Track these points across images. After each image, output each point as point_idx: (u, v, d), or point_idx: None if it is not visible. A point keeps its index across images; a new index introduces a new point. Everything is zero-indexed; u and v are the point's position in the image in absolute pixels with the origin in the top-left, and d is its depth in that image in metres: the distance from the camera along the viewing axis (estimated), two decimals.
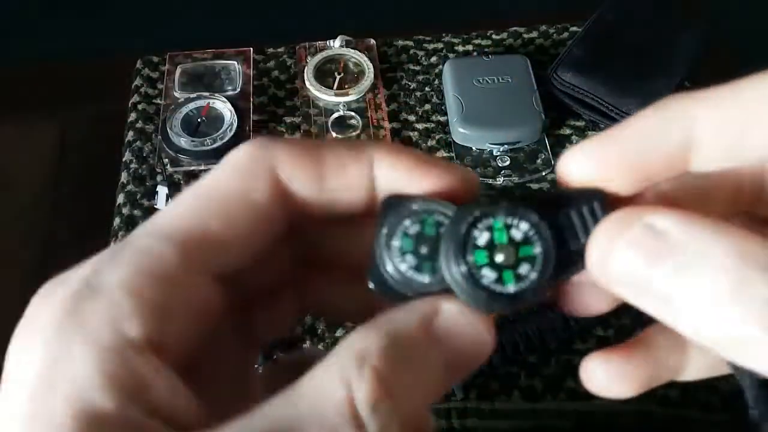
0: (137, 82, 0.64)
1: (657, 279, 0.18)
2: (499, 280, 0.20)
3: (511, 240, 0.20)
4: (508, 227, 0.20)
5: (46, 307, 0.19)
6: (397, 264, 0.20)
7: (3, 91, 0.66)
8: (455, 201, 0.21)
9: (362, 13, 0.73)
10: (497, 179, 0.57)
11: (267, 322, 0.24)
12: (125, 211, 0.55)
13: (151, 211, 0.55)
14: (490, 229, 0.20)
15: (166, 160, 0.57)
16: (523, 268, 0.20)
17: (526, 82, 0.60)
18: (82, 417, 0.17)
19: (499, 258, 0.20)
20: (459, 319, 0.20)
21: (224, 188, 0.20)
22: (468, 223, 0.20)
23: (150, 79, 0.64)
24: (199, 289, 0.20)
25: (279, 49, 0.66)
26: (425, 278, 0.20)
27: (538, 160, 0.58)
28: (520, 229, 0.20)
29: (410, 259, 0.21)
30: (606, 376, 0.22)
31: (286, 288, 0.24)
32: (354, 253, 0.23)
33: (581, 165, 0.21)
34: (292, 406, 0.18)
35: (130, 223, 0.55)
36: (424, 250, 0.21)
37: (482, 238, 0.20)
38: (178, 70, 0.63)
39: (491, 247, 0.20)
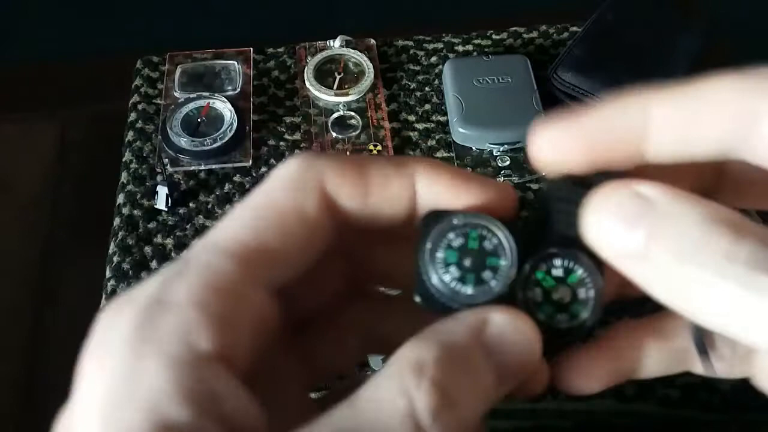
0: (137, 82, 0.64)
1: (636, 239, 0.20)
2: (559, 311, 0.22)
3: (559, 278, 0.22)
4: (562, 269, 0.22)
5: (117, 324, 0.19)
6: (441, 276, 0.21)
7: (3, 91, 0.66)
8: (494, 215, 0.22)
9: (362, 13, 0.73)
10: (497, 179, 0.57)
11: (329, 353, 0.25)
12: (125, 211, 0.55)
13: (151, 211, 0.55)
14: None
15: (166, 160, 0.57)
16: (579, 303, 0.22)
17: (526, 82, 0.60)
18: (158, 429, 0.17)
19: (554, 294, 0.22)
20: (508, 328, 0.21)
21: (277, 202, 0.21)
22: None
23: (150, 79, 0.64)
24: (260, 302, 0.20)
25: (279, 49, 0.66)
26: (469, 290, 0.21)
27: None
28: (574, 270, 0.22)
29: (454, 270, 0.21)
30: (573, 374, 0.24)
31: (347, 322, 0.25)
32: (405, 278, 0.23)
33: (547, 145, 0.22)
34: (353, 416, 0.18)
35: (130, 223, 0.55)
36: (467, 262, 0.22)
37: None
38: (178, 70, 0.63)
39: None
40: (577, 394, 0.24)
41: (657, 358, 0.25)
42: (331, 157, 0.22)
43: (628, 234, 0.20)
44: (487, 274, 0.22)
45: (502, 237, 0.22)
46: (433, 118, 0.61)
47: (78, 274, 0.54)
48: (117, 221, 0.55)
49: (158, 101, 0.62)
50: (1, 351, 0.51)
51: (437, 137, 0.60)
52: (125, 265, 0.52)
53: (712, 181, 0.24)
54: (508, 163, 0.57)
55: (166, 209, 0.55)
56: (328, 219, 0.22)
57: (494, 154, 0.57)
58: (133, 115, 0.61)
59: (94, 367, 0.19)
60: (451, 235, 0.22)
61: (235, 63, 0.63)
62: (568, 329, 0.22)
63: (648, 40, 0.62)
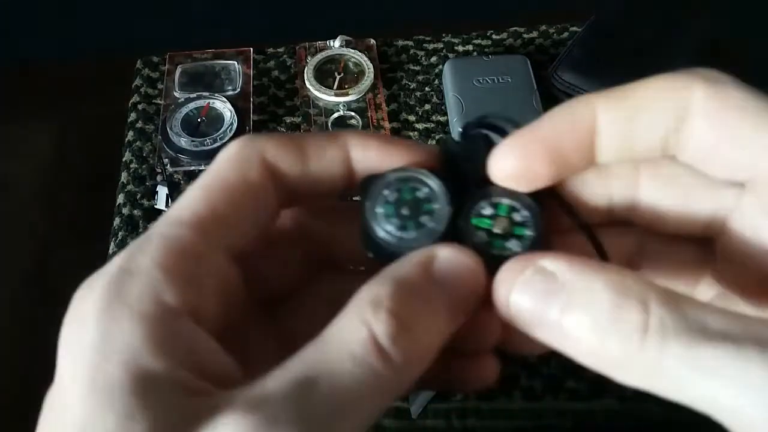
0: (137, 82, 0.64)
1: (551, 314, 0.21)
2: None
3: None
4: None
5: (90, 295, 0.21)
6: (385, 227, 0.24)
7: (3, 91, 0.66)
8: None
9: (362, 13, 0.73)
10: None
11: (300, 327, 0.26)
12: (125, 211, 0.55)
13: (151, 211, 0.55)
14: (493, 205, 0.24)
15: (166, 160, 0.57)
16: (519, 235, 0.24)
17: (526, 82, 0.60)
18: (137, 379, 0.19)
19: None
20: (453, 260, 0.22)
21: (223, 175, 0.24)
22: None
23: (150, 79, 0.64)
24: (219, 263, 0.22)
25: (279, 49, 0.66)
26: (413, 233, 0.24)
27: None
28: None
29: (395, 221, 0.24)
30: (519, 338, 0.24)
31: (309, 291, 0.27)
32: (354, 247, 0.25)
33: (508, 161, 0.23)
34: (321, 351, 0.20)
35: (130, 223, 0.55)
36: (405, 211, 0.24)
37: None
38: (178, 70, 0.63)
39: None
40: (522, 354, 0.25)
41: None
42: (269, 134, 0.25)
43: (542, 310, 0.21)
44: (424, 218, 0.24)
45: (432, 184, 0.24)
46: (433, 118, 0.61)
47: (78, 274, 0.54)
48: (117, 221, 0.55)
49: (158, 101, 0.62)
50: (1, 351, 0.51)
51: (437, 137, 0.60)
52: None
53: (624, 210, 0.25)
54: None
55: (166, 209, 0.55)
56: (271, 185, 0.24)
57: None
58: (133, 115, 0.61)
59: (73, 338, 0.20)
60: (386, 192, 0.24)
61: (235, 63, 0.63)
62: (525, 248, 0.24)
63: (648, 40, 0.62)
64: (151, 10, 0.72)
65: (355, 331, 0.20)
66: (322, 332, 0.20)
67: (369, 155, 0.25)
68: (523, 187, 0.24)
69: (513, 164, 0.23)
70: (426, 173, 0.24)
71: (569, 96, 0.59)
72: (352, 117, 0.60)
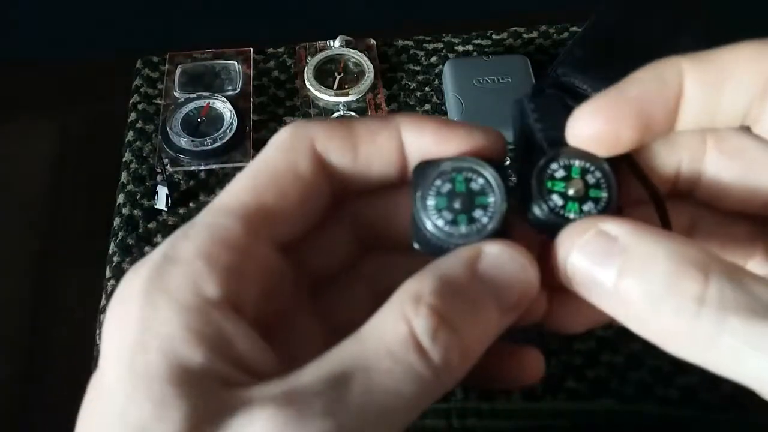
0: (137, 82, 0.64)
1: (607, 277, 0.20)
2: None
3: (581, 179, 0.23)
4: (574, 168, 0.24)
5: (133, 281, 0.21)
6: (435, 221, 0.22)
7: (3, 91, 0.66)
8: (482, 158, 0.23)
9: (362, 13, 0.73)
10: None
11: (344, 310, 0.26)
12: (125, 211, 0.55)
13: (151, 211, 0.55)
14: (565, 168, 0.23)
15: (166, 160, 0.57)
16: (588, 206, 0.23)
17: (526, 82, 0.60)
18: (175, 369, 0.19)
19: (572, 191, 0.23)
20: (502, 257, 0.21)
21: (272, 165, 0.23)
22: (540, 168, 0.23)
23: (150, 79, 0.64)
24: (264, 254, 0.22)
25: (279, 49, 0.66)
26: (462, 229, 0.22)
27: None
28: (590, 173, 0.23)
29: (446, 214, 0.22)
30: (560, 312, 0.24)
31: (355, 277, 0.26)
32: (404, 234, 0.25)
33: (593, 123, 0.22)
34: (359, 346, 0.19)
35: (130, 223, 0.55)
36: (457, 204, 0.23)
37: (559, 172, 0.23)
38: (178, 70, 0.63)
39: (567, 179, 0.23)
40: (566, 333, 0.25)
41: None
42: (319, 121, 0.24)
43: (599, 273, 0.21)
44: (478, 213, 0.23)
45: (488, 176, 0.23)
46: None
47: (78, 274, 0.54)
48: (117, 221, 0.55)
49: (158, 101, 0.62)
50: (1, 351, 0.51)
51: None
52: (125, 265, 0.52)
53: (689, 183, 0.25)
54: (507, 163, 0.57)
55: (166, 209, 0.55)
56: (321, 176, 0.23)
57: None
58: (133, 115, 0.61)
59: (114, 324, 0.21)
60: (438, 182, 0.23)
61: (235, 63, 0.63)
62: (600, 211, 0.23)
63: (648, 40, 0.61)
64: (151, 10, 0.72)
65: (394, 326, 0.19)
66: (361, 326, 0.20)
67: (423, 140, 0.24)
68: (603, 151, 0.23)
69: (597, 126, 0.23)
70: (482, 163, 0.23)
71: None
72: (352, 117, 0.60)
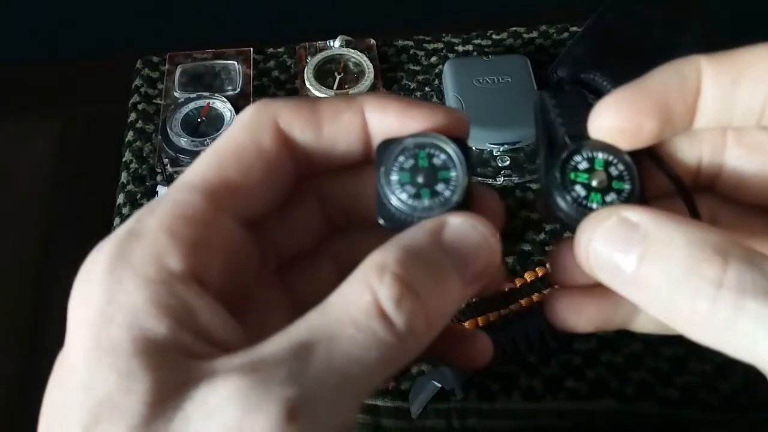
0: (137, 82, 0.64)
1: (628, 263, 0.21)
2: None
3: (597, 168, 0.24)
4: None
5: (97, 257, 0.21)
6: (399, 195, 0.23)
7: (3, 91, 0.66)
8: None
9: (362, 13, 0.73)
10: (497, 179, 0.57)
11: (309, 286, 0.26)
12: (125, 211, 0.55)
13: None
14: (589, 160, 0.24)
15: (166, 160, 0.57)
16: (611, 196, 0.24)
17: (526, 82, 0.60)
18: (139, 341, 0.19)
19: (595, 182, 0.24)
20: (464, 227, 0.22)
21: (236, 141, 0.23)
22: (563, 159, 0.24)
23: (150, 79, 0.64)
24: (228, 229, 0.22)
25: (279, 49, 0.66)
26: (426, 202, 0.23)
27: (538, 160, 0.58)
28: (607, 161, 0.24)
29: (409, 188, 0.23)
30: (565, 308, 0.25)
31: (322, 256, 0.27)
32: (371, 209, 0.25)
33: (615, 113, 0.23)
34: (323, 316, 0.20)
35: None
36: (420, 179, 0.23)
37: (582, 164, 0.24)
38: (178, 70, 0.63)
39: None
40: (569, 330, 0.25)
41: (649, 316, 0.26)
42: (284, 99, 0.24)
43: (621, 259, 0.21)
44: (440, 186, 0.23)
45: (450, 151, 0.23)
46: None
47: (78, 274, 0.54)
48: (117, 221, 0.55)
49: (158, 101, 0.62)
50: (1, 350, 0.51)
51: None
52: None
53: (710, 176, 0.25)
54: (508, 163, 0.57)
55: None
56: (285, 152, 0.24)
57: (494, 154, 0.57)
58: (133, 115, 0.61)
59: (79, 299, 0.21)
60: (401, 158, 0.23)
61: (235, 63, 0.63)
62: (623, 202, 0.23)
63: (648, 40, 0.61)
64: (151, 10, 0.72)
65: (359, 295, 0.20)
66: (327, 298, 0.20)
67: (387, 120, 0.24)
68: (625, 143, 0.24)
69: (620, 118, 0.23)
70: (444, 139, 0.23)
71: None
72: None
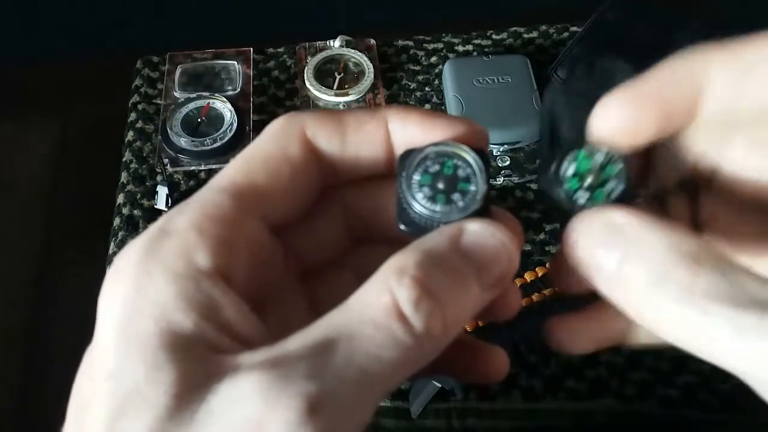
0: (137, 82, 0.64)
1: (609, 263, 0.22)
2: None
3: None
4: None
5: (128, 253, 0.22)
6: (420, 200, 0.24)
7: (3, 91, 0.66)
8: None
9: (362, 13, 0.73)
10: (497, 179, 0.57)
11: (329, 298, 0.26)
12: (125, 211, 0.55)
13: (151, 211, 0.55)
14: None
15: (166, 160, 0.57)
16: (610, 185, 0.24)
17: (526, 82, 0.60)
18: (165, 334, 0.20)
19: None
20: (483, 233, 0.22)
21: (264, 148, 0.24)
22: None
23: (150, 79, 0.64)
24: (254, 230, 0.23)
25: (279, 49, 0.66)
26: (446, 208, 0.23)
27: (538, 160, 0.58)
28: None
29: (426, 190, 0.24)
30: (564, 334, 0.26)
31: (344, 267, 0.27)
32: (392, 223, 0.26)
33: (616, 112, 0.24)
34: (344, 315, 0.20)
35: (130, 223, 0.55)
36: (440, 184, 0.24)
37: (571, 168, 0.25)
38: (178, 70, 0.63)
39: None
40: (568, 353, 0.26)
41: (645, 330, 0.26)
42: (311, 112, 0.25)
43: (604, 258, 0.22)
44: (456, 196, 0.24)
45: (470, 159, 0.24)
46: None
47: (78, 274, 0.54)
48: (117, 221, 0.55)
49: (158, 101, 0.62)
50: (1, 351, 0.51)
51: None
52: None
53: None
54: (508, 163, 0.57)
55: (166, 209, 0.55)
56: (311, 160, 0.25)
57: (494, 154, 0.57)
58: (133, 115, 0.61)
59: (110, 292, 0.21)
60: (428, 162, 0.24)
61: (235, 63, 0.63)
62: (615, 201, 0.24)
63: (648, 39, 0.61)
64: (151, 10, 0.72)
65: (378, 296, 0.20)
66: (347, 299, 0.21)
67: (409, 130, 0.25)
68: (625, 141, 0.24)
69: (619, 117, 0.24)
70: (464, 148, 0.24)
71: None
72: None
